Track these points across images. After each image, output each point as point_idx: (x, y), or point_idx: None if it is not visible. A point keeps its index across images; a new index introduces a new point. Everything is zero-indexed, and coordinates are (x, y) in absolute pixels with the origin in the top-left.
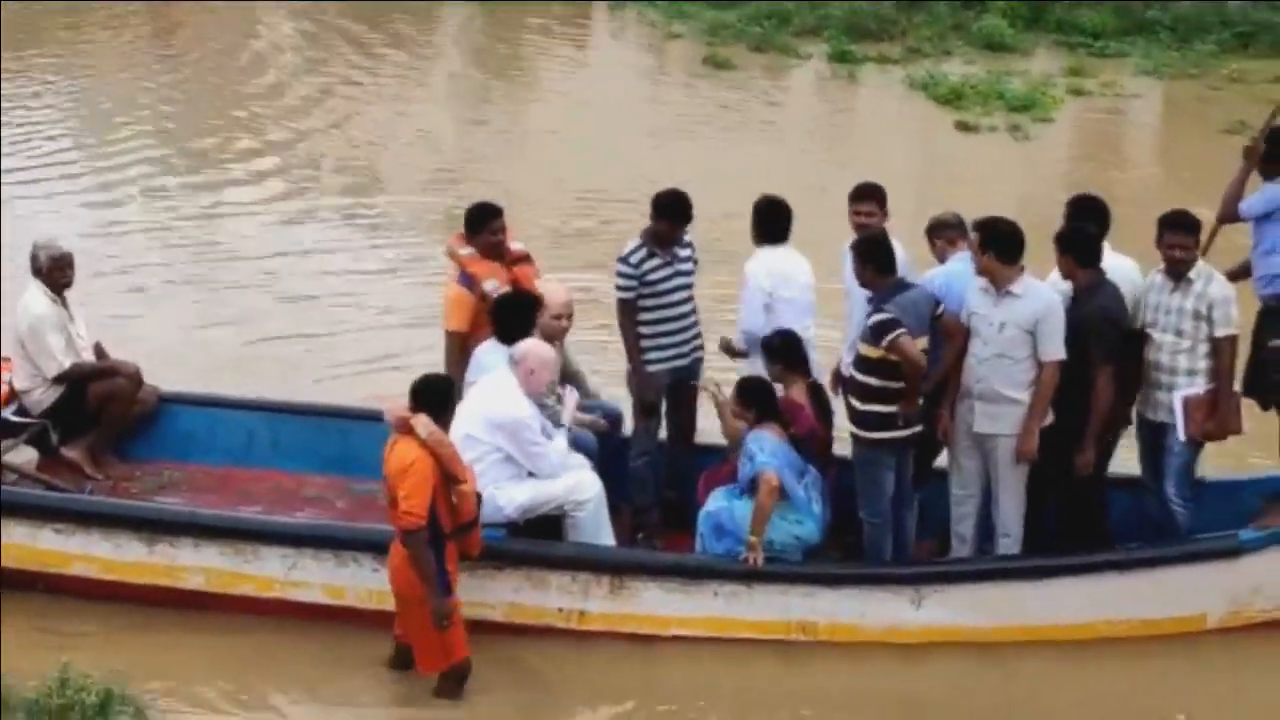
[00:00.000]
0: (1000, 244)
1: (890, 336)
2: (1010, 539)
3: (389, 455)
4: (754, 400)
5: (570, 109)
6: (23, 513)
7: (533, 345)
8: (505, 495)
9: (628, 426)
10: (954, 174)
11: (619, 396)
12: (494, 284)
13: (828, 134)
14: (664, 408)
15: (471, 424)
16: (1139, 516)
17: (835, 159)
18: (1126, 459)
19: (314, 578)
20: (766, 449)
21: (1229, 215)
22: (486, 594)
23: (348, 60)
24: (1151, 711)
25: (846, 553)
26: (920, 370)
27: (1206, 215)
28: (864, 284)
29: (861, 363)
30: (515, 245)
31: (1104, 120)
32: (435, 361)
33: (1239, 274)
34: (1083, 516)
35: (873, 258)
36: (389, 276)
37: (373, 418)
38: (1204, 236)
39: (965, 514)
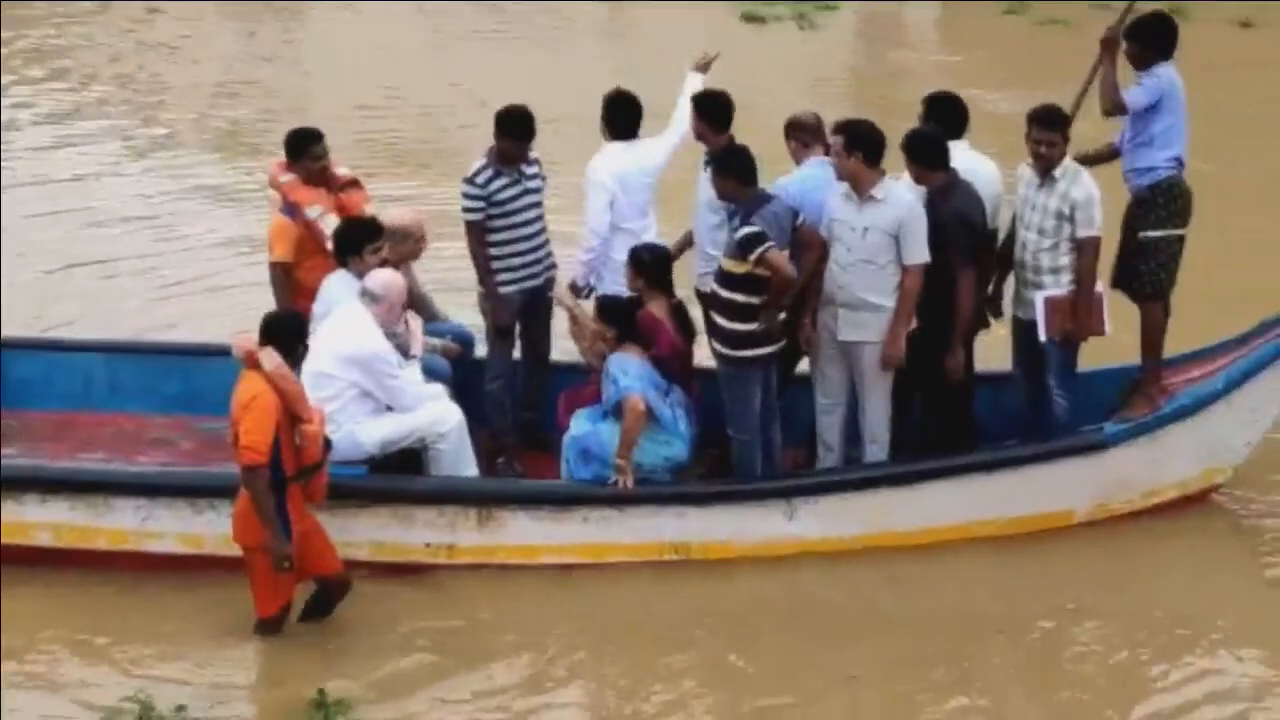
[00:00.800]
0: (868, 146)
1: (759, 250)
2: (878, 445)
3: (235, 391)
4: (615, 320)
5: (349, 22)
6: None
7: (391, 277)
8: (364, 431)
9: (480, 348)
10: (744, 67)
11: (469, 319)
12: (317, 210)
13: (613, 34)
14: (518, 328)
15: (324, 361)
16: (1002, 413)
17: (623, 60)
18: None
19: (169, 527)
20: (631, 372)
21: (1114, 107)
22: (351, 533)
23: None
24: (1034, 603)
25: (712, 467)
26: (790, 283)
27: (1001, 94)
28: (724, 196)
29: (726, 278)
30: (341, 170)
31: (886, 6)
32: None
33: (1100, 158)
34: (950, 418)
35: (735, 169)
36: (180, 199)
37: (214, 353)
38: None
39: (831, 423)
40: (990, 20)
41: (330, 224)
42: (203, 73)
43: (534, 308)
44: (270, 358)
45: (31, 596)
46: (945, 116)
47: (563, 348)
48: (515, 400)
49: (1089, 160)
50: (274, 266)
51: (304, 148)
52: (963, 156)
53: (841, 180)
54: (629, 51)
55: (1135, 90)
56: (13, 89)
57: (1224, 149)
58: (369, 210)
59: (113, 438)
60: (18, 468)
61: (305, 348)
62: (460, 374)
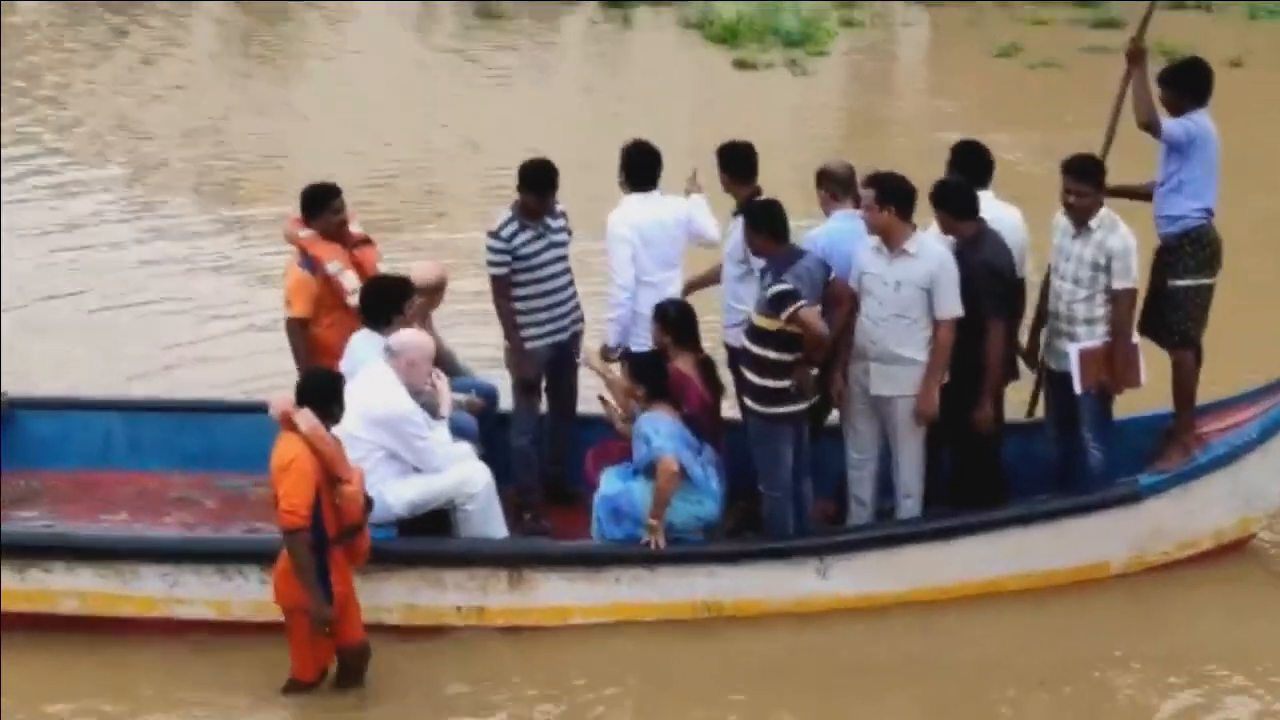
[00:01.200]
0: (900, 200)
1: (791, 308)
2: (911, 499)
3: (272, 453)
4: (645, 378)
5: (346, 72)
6: None
7: (411, 336)
8: (393, 493)
9: (504, 402)
10: (735, 114)
11: (494, 373)
12: (337, 266)
13: (606, 79)
14: (544, 383)
15: (351, 422)
16: (1031, 463)
17: (615, 105)
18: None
19: (198, 594)
20: (663, 431)
21: (1150, 120)
22: (381, 596)
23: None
24: (1074, 653)
25: (740, 520)
26: (822, 341)
27: (998, 139)
28: (756, 251)
29: (757, 334)
30: (354, 227)
31: (877, 51)
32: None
33: (1136, 193)
34: (981, 471)
35: (767, 225)
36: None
37: (233, 410)
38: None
39: (863, 478)
40: (982, 63)
41: (349, 280)
42: (194, 118)
43: (560, 362)
44: (306, 419)
45: (50, 663)
46: (971, 165)
47: (587, 398)
48: (541, 455)
49: (1125, 192)
50: (291, 322)
51: (323, 203)
52: (989, 205)
53: (873, 234)
54: (621, 98)
55: (1172, 124)
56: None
57: (1223, 190)
58: (382, 268)
59: (135, 497)
60: (44, 535)
61: (342, 407)
62: (484, 428)
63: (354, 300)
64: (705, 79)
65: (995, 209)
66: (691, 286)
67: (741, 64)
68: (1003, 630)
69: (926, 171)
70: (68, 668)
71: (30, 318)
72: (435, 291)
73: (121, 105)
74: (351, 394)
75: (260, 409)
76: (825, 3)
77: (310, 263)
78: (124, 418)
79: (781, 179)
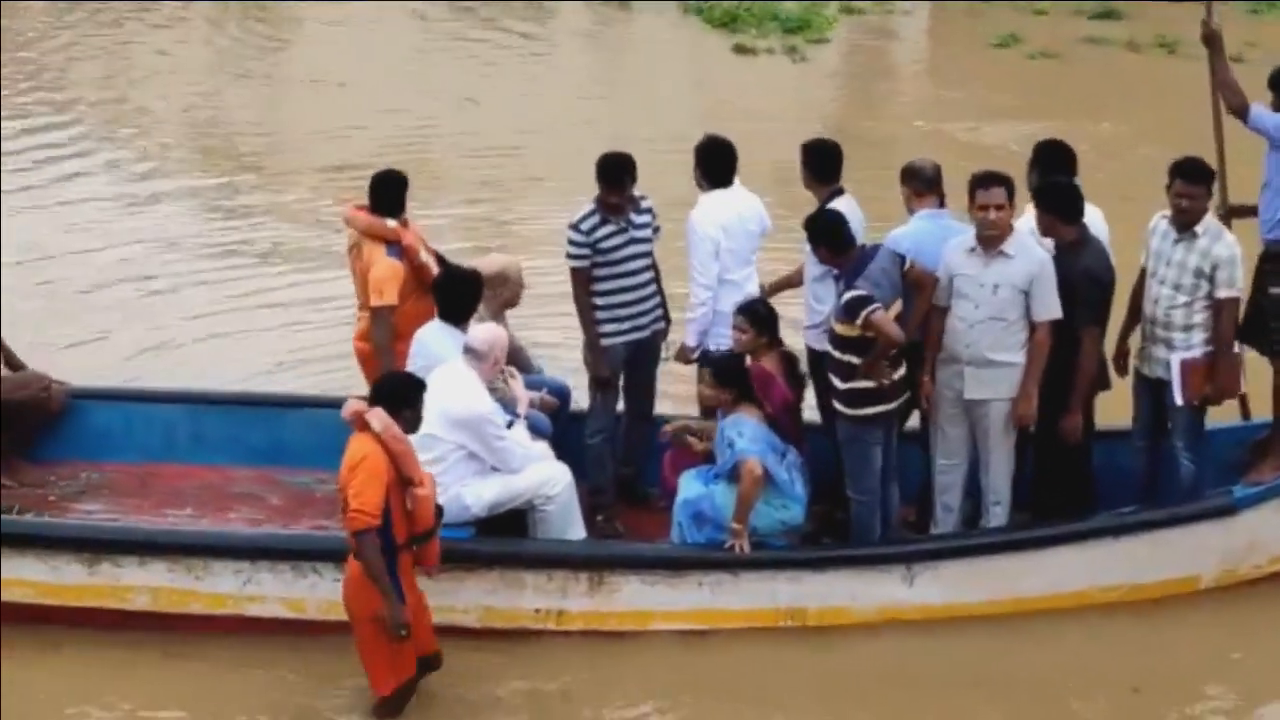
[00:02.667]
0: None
1: (864, 313)
2: (1001, 507)
3: (345, 454)
4: (730, 380)
5: (339, 51)
6: None
7: (495, 333)
8: (471, 493)
9: (576, 401)
10: (735, 98)
11: (563, 370)
12: (425, 254)
13: (603, 63)
14: (621, 380)
15: (430, 422)
16: (1115, 472)
17: (614, 89)
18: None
19: (271, 591)
20: (746, 433)
21: (1238, 103)
22: (458, 598)
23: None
24: (1160, 669)
25: (821, 524)
26: (895, 344)
27: (997, 129)
28: (823, 263)
29: (839, 341)
30: None
31: (877, 38)
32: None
33: (1245, 211)
34: (1068, 480)
35: (824, 237)
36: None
37: (298, 404)
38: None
39: (951, 483)
40: (981, 53)
41: (434, 268)
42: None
43: (639, 360)
44: (380, 418)
45: (130, 666)
46: (1054, 163)
47: (665, 397)
48: (614, 455)
49: (1235, 212)
50: (384, 311)
51: (401, 195)
52: None
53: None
54: (618, 82)
55: (1263, 112)
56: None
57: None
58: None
59: (198, 492)
60: (118, 530)
61: (419, 415)
62: (556, 428)
63: None
64: (704, 64)
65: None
66: (774, 288)
67: (741, 49)
68: (1091, 640)
69: (922, 157)
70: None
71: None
72: (504, 285)
73: (121, 86)
74: (430, 393)
75: (325, 403)
76: None
77: (401, 251)
78: (187, 410)
79: (780, 165)
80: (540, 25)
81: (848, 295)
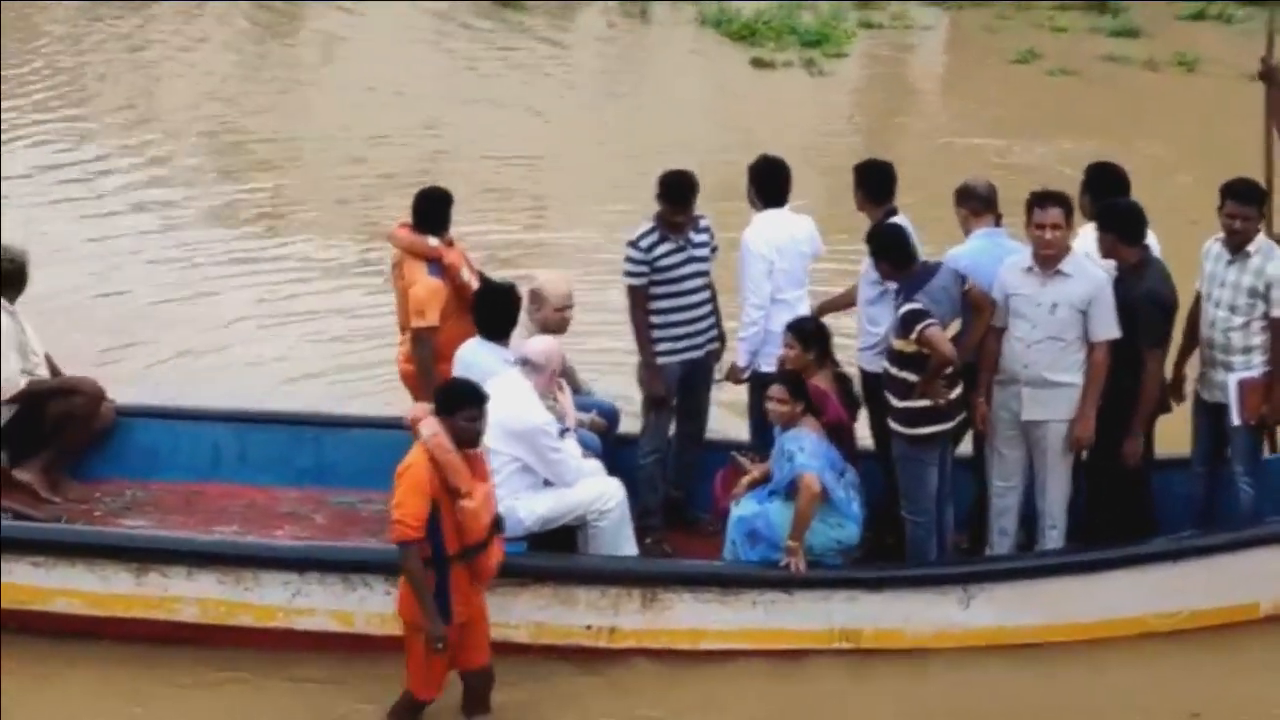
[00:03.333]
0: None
1: (919, 327)
2: (1057, 530)
3: None
4: (799, 394)
5: (358, 58)
6: None
7: (553, 346)
8: (525, 507)
9: (624, 423)
10: (752, 112)
11: (611, 392)
12: (466, 273)
13: (621, 75)
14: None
15: (488, 436)
16: (1174, 498)
17: (632, 100)
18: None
19: (320, 604)
20: (807, 448)
21: None
22: (509, 613)
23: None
24: (1221, 696)
25: (870, 549)
26: (948, 362)
27: (1015, 145)
28: (885, 278)
29: (896, 357)
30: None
31: (895, 53)
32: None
33: None
34: (1126, 504)
35: (886, 253)
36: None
37: (346, 424)
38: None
39: (1007, 506)
40: (1000, 69)
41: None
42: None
43: (693, 380)
44: (429, 426)
45: (177, 679)
46: (1106, 187)
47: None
48: (665, 477)
49: None
50: (425, 332)
51: (446, 212)
52: None
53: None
54: (635, 94)
55: None
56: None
57: None
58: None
59: (244, 511)
60: (168, 540)
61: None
62: (603, 451)
63: None
64: (722, 77)
65: None
66: (826, 309)
67: (759, 63)
68: (1146, 668)
69: (939, 175)
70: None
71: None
72: (546, 302)
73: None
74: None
75: (372, 424)
76: (844, 3)
77: (442, 270)
78: (233, 429)
79: (799, 180)
80: (556, 38)
81: (905, 308)
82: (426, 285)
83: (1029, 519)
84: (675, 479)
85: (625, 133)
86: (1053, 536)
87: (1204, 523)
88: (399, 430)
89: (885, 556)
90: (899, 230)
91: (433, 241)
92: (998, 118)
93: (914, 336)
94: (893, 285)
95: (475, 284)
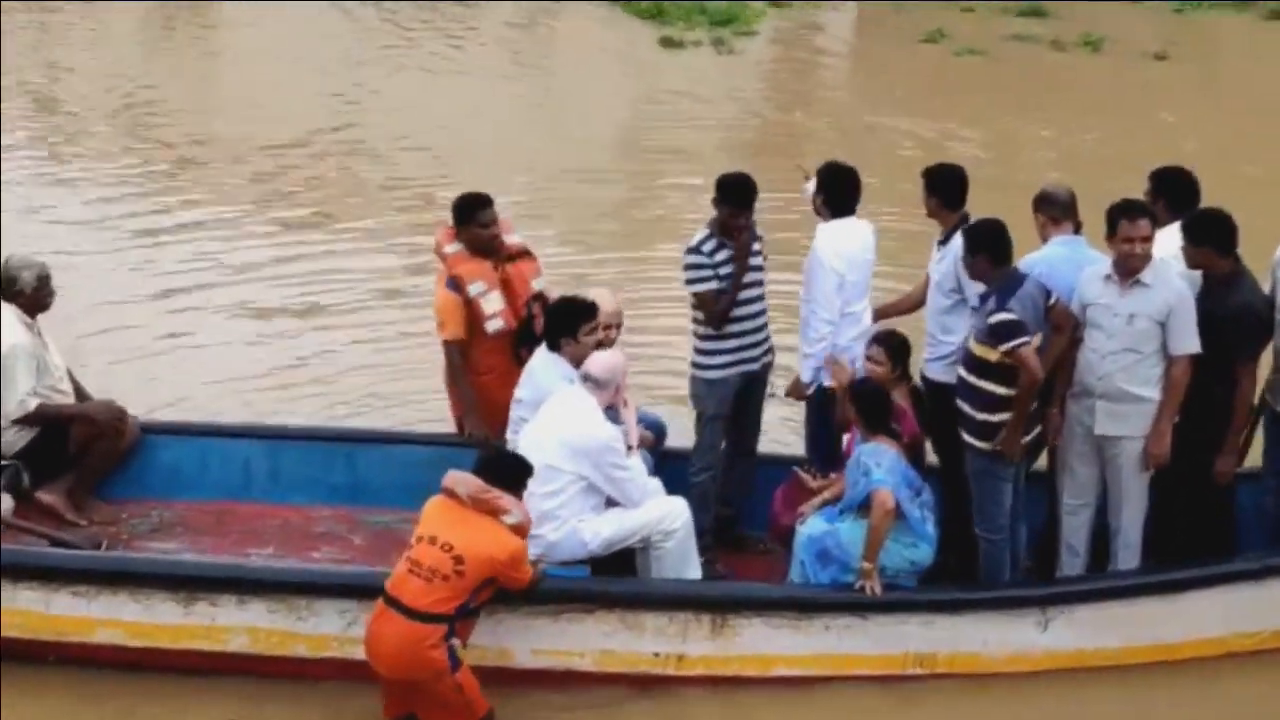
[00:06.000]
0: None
1: (1014, 344)
2: (1131, 549)
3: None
4: (877, 406)
5: (259, 41)
6: (32, 574)
7: (615, 361)
8: (589, 529)
9: (677, 438)
10: (661, 91)
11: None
12: (480, 287)
13: (526, 52)
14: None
15: (550, 452)
16: (1242, 510)
17: (541, 81)
18: None
19: None
20: (885, 464)
21: None
22: (573, 641)
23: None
24: None
25: (935, 570)
26: (1037, 385)
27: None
28: (975, 275)
29: (977, 364)
30: (512, 239)
31: (804, 32)
32: None
33: None
34: (1208, 521)
35: (987, 246)
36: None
37: (379, 440)
38: None
39: (1078, 524)
40: (908, 48)
41: (492, 303)
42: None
43: (748, 394)
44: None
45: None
46: (1176, 194)
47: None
48: (716, 495)
49: None
50: (447, 345)
51: (470, 214)
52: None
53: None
54: (542, 71)
55: None
56: None
57: None
58: (539, 283)
59: (278, 531)
60: (217, 567)
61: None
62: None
63: (494, 325)
64: (630, 55)
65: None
66: (882, 314)
67: (667, 41)
68: (1229, 691)
69: (846, 153)
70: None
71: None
72: (609, 327)
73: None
74: (548, 421)
75: (406, 440)
76: None
77: (454, 282)
78: (264, 446)
79: (707, 159)
80: (465, 17)
81: (1000, 316)
82: (439, 297)
83: (1098, 536)
84: (726, 496)
85: (530, 110)
86: (1126, 555)
87: (1277, 540)
88: (435, 446)
89: (946, 576)
90: (1002, 226)
91: (450, 249)
92: (904, 97)
93: (1005, 350)
94: (974, 293)
95: (490, 305)
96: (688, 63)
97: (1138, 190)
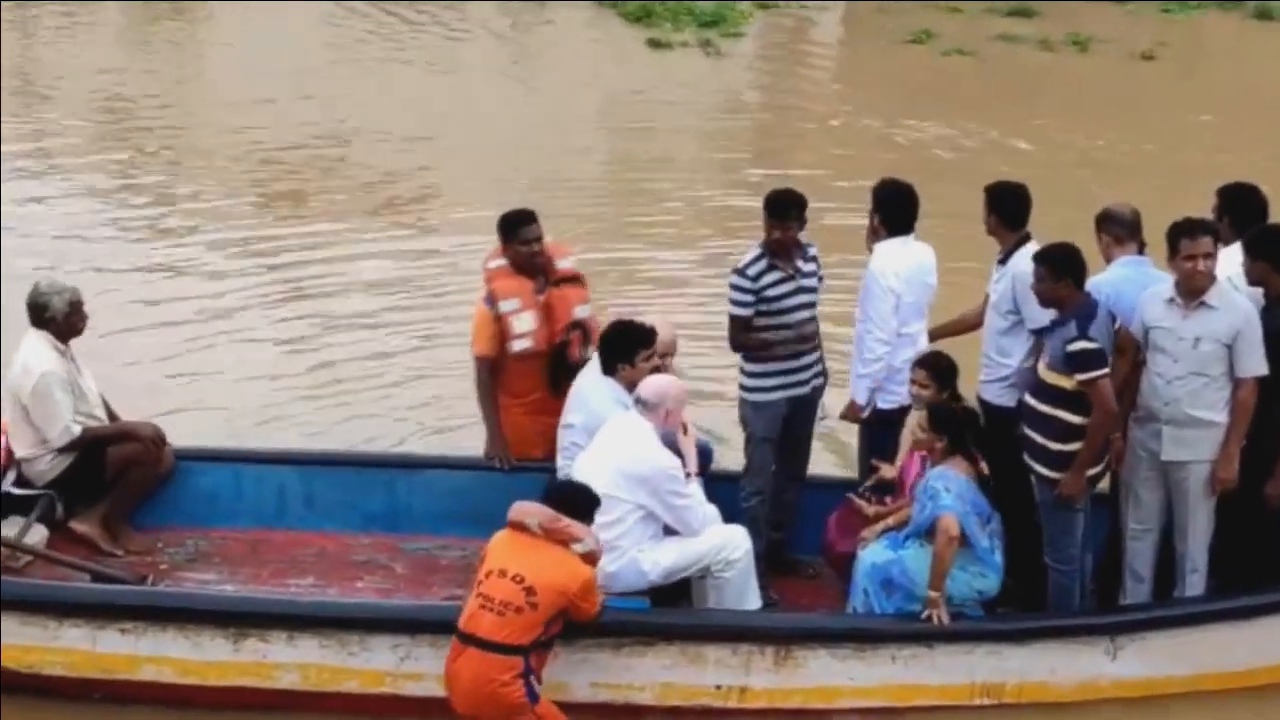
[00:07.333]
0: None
1: (1092, 375)
2: (1198, 575)
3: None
4: (948, 427)
5: (248, 37)
6: (79, 611)
7: (666, 384)
8: (648, 558)
9: (725, 462)
10: (649, 93)
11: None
12: (513, 304)
13: (516, 54)
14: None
15: (609, 481)
16: None
17: (529, 83)
18: None
19: (430, 668)
20: (954, 489)
21: None
22: (634, 674)
23: None
24: None
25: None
26: (1112, 422)
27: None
28: (1049, 301)
29: (1047, 392)
30: (565, 263)
31: (791, 34)
32: None
33: None
34: (1274, 545)
35: (1070, 271)
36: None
37: (417, 466)
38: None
39: (1143, 550)
40: (895, 49)
41: (523, 322)
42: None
43: (797, 418)
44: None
45: None
46: (1247, 210)
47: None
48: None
49: None
50: (478, 360)
51: (513, 230)
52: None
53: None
54: (531, 73)
55: None
56: None
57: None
58: (584, 310)
59: (316, 561)
60: (268, 602)
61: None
62: None
63: (520, 345)
64: (618, 58)
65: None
66: (937, 334)
67: (655, 43)
68: None
69: (834, 154)
70: None
71: None
72: (663, 356)
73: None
74: (605, 449)
75: (445, 465)
76: None
77: (490, 297)
78: (299, 473)
79: (696, 164)
80: (454, 19)
81: (1081, 345)
82: (476, 312)
83: (1162, 562)
84: (775, 521)
85: (517, 112)
86: (1194, 581)
87: None
88: (473, 471)
89: (1008, 601)
90: (1076, 250)
91: (492, 264)
92: (892, 98)
93: (1083, 379)
94: (1030, 310)
95: (521, 324)
96: (676, 65)
97: (1131, 191)
